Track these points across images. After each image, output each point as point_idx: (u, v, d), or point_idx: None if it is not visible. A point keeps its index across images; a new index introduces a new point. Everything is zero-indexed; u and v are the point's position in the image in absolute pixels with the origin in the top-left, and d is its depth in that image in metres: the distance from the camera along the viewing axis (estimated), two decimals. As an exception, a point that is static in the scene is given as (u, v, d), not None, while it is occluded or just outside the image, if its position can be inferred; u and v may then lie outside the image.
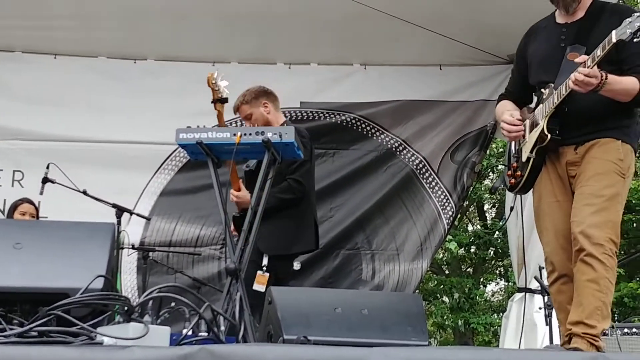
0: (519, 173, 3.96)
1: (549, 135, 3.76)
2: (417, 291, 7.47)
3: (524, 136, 3.97)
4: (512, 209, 6.48)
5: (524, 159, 3.92)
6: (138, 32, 6.80)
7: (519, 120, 3.98)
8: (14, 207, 6.26)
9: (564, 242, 3.72)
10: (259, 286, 4.60)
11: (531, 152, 3.85)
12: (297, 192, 5.00)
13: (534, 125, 3.88)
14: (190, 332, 2.36)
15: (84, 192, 5.82)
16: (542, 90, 3.88)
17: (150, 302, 2.35)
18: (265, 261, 4.79)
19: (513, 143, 4.10)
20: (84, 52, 7.04)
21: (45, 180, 5.87)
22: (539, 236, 3.96)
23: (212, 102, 4.76)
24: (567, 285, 3.71)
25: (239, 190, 4.98)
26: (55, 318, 2.21)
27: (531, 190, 4.05)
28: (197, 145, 3.95)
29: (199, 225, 6.88)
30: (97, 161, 6.83)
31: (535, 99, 4.02)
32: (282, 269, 4.94)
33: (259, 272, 4.68)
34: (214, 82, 4.64)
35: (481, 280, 19.25)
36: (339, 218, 7.04)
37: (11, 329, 2.20)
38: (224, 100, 4.73)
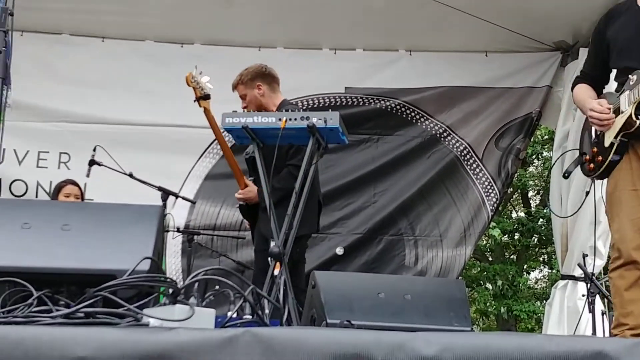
0: (600, 158, 3.88)
1: (638, 122, 3.69)
2: (460, 278, 7.43)
3: None
4: (587, 193, 6.40)
5: (606, 144, 3.83)
6: (185, 16, 6.82)
7: (608, 108, 3.89)
8: (58, 188, 6.32)
9: (636, 230, 3.68)
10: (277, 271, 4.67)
11: (615, 137, 3.78)
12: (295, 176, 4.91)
13: (618, 111, 3.81)
14: (234, 315, 2.36)
15: (130, 175, 5.86)
16: (630, 76, 3.79)
17: (196, 284, 2.36)
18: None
19: (593, 128, 4.02)
20: (131, 35, 7.09)
21: (92, 162, 5.89)
22: (609, 222, 3.88)
23: (194, 100, 4.79)
24: (630, 272, 3.67)
25: (245, 187, 4.98)
26: (102, 299, 2.23)
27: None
28: (243, 130, 3.98)
29: (243, 209, 6.91)
30: (143, 144, 6.89)
31: (615, 83, 3.94)
32: (294, 252, 4.91)
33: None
34: (193, 80, 4.66)
35: (524, 267, 19.11)
36: (382, 203, 7.03)
37: (58, 310, 2.22)
38: (207, 97, 4.77)
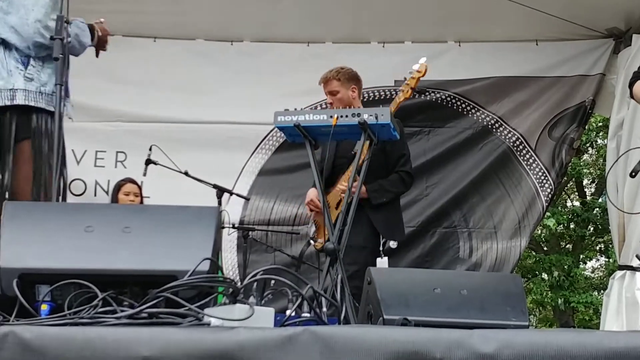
0: None
1: None
2: (515, 269, 7.40)
3: None
4: None
5: None
6: (234, 14, 6.89)
7: None
8: (118, 187, 6.45)
9: None
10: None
11: None
12: (409, 184, 5.32)
13: None
14: (293, 313, 2.40)
15: (186, 173, 5.95)
16: None
17: (255, 283, 2.41)
18: (381, 245, 4.96)
19: None
20: (182, 35, 7.19)
21: (148, 161, 6.00)
22: None
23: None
24: None
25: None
26: (165, 300, 2.28)
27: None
28: (295, 128, 4.01)
29: (296, 204, 6.96)
30: (197, 142, 6.99)
31: None
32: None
33: (380, 260, 4.82)
34: None
35: (581, 257, 18.90)
36: (434, 196, 7.02)
37: (122, 311, 2.28)
38: None
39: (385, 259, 4.86)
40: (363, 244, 4.97)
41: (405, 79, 5.11)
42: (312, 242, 5.41)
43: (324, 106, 6.96)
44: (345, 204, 4.00)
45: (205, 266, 2.39)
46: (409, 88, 5.06)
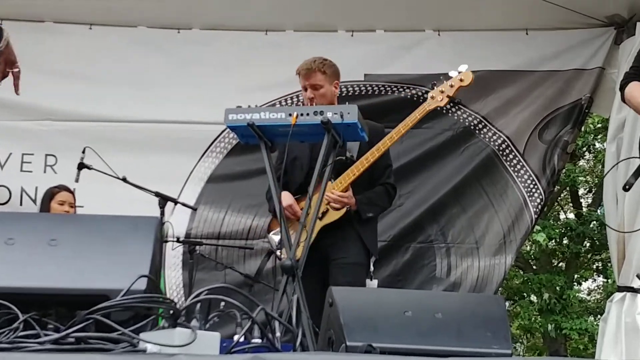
0: None
1: None
2: (499, 290, 7.45)
3: None
4: None
5: None
6: (181, -1, 6.92)
7: None
8: (51, 194, 6.36)
9: None
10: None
11: None
12: (392, 199, 5.44)
13: None
14: (242, 339, 2.41)
15: (124, 179, 5.90)
16: None
17: (198, 304, 2.41)
18: (371, 265, 5.13)
19: None
20: (122, 21, 7.17)
21: (82, 166, 5.92)
22: None
23: None
24: None
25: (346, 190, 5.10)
26: (94, 322, 2.28)
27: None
28: (249, 128, 4.02)
29: (250, 215, 6.96)
30: (137, 144, 6.98)
31: None
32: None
33: (369, 282, 4.86)
34: None
35: (575, 277, 19.05)
36: (409, 207, 7.04)
37: (46, 335, 2.27)
38: None
39: (375, 281, 4.93)
40: (356, 260, 5.07)
41: (434, 84, 5.26)
42: (278, 252, 5.39)
43: (283, 103, 7.01)
44: (314, 214, 4.02)
45: (142, 284, 2.39)
46: (445, 96, 5.17)
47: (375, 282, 5.01)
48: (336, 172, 4.96)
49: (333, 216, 5.03)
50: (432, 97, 5.22)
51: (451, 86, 5.19)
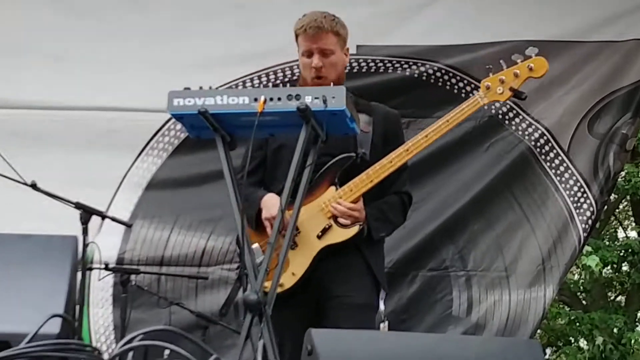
0: None
1: None
2: (537, 333, 7.46)
3: None
4: None
5: None
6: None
7: None
8: None
9: None
10: None
11: None
12: (406, 215, 5.39)
13: None
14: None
15: (33, 186, 5.86)
16: None
17: (131, 353, 2.40)
18: (382, 304, 5.06)
19: None
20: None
21: (-25, 167, 5.93)
22: None
23: None
24: None
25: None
26: (-10, 379, 2.27)
27: None
28: (200, 116, 4.00)
29: (204, 233, 6.97)
30: (54, 138, 6.97)
31: None
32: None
33: (383, 325, 4.84)
34: None
35: (638, 316, 19.10)
36: (417, 222, 7.03)
37: None
38: None
39: (386, 323, 4.91)
40: (366, 300, 4.98)
41: (489, 69, 5.13)
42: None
43: (248, 85, 6.99)
44: (275, 231, 3.99)
45: (55, 327, 2.38)
46: (508, 89, 5.06)
47: (386, 324, 4.98)
48: (344, 174, 4.92)
49: (339, 235, 4.91)
50: (488, 88, 5.09)
51: (516, 75, 5.05)
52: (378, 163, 4.89)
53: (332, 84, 4.71)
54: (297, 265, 4.83)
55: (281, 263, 3.93)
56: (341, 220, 4.87)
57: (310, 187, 4.72)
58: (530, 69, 5.06)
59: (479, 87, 6.93)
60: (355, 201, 4.90)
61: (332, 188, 4.92)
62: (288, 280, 4.81)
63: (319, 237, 4.88)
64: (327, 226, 4.89)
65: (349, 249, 4.93)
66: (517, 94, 5.06)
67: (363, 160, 4.85)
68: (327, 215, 4.88)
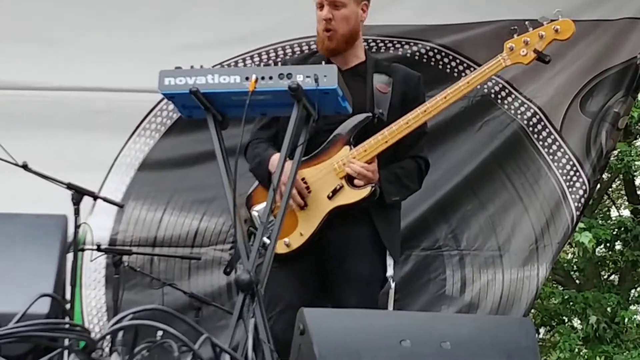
0: None
1: None
2: (530, 312, 7.46)
3: None
4: None
5: None
6: None
7: None
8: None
9: None
10: None
11: None
12: (424, 178, 5.22)
13: None
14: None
15: (24, 167, 5.86)
16: None
17: (121, 333, 2.38)
18: (391, 270, 4.92)
19: None
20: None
21: (-33, 148, 5.92)
22: None
23: None
24: None
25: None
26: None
27: None
28: (191, 96, 3.98)
29: (197, 214, 6.96)
30: (43, 119, 6.94)
31: None
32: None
33: (390, 291, 4.80)
34: None
35: (631, 294, 19.12)
36: (409, 202, 6.91)
37: None
38: None
39: (393, 286, 4.86)
40: (372, 272, 4.91)
41: (514, 30, 5.05)
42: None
43: (240, 64, 6.96)
44: (267, 208, 3.97)
45: (44, 307, 2.36)
46: (532, 51, 4.96)
47: (393, 288, 4.89)
48: (360, 135, 4.83)
49: (351, 196, 4.80)
50: (511, 49, 5.02)
51: (541, 37, 4.95)
52: (394, 123, 4.79)
53: (343, 38, 4.87)
54: (306, 226, 4.77)
55: (274, 240, 3.92)
56: (355, 181, 4.77)
57: (324, 147, 4.82)
58: (557, 31, 4.97)
59: (472, 67, 7.03)
60: (369, 162, 4.80)
61: (347, 148, 4.82)
62: (296, 240, 4.77)
63: (329, 197, 4.79)
64: (338, 186, 4.79)
65: (358, 215, 4.84)
66: (541, 57, 4.98)
67: (380, 120, 4.78)
68: (339, 176, 4.79)
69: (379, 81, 4.86)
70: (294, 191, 4.68)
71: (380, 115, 4.77)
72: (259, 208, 4.86)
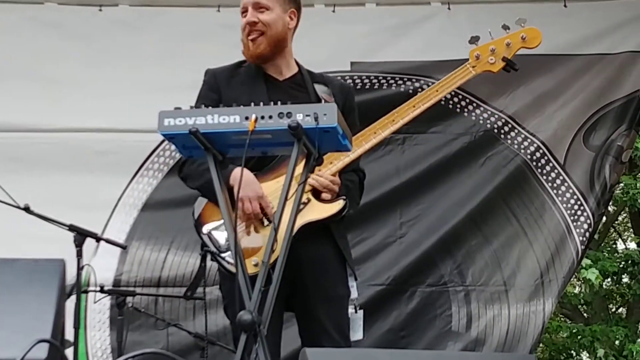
0: None
1: None
2: (538, 347, 7.42)
3: None
4: None
5: None
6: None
7: None
8: None
9: None
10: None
11: None
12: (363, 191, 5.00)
13: None
14: None
15: (26, 209, 5.86)
16: None
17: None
18: (354, 291, 4.76)
19: None
20: (25, -4, 7.15)
21: (-34, 191, 5.91)
22: None
23: None
24: None
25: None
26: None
27: None
28: (191, 136, 3.97)
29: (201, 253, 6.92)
30: (47, 161, 6.97)
31: None
32: None
33: (354, 314, 4.72)
34: None
35: (639, 327, 19.06)
36: (414, 238, 7.03)
37: None
38: None
39: (361, 312, 4.72)
40: (342, 291, 4.74)
41: (476, 39, 4.92)
42: (220, 258, 4.93)
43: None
44: (268, 245, 3.95)
45: (42, 352, 2.35)
46: (500, 59, 4.85)
47: (361, 314, 4.78)
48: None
49: (321, 211, 4.61)
50: (477, 58, 4.88)
51: (508, 45, 4.85)
52: (360, 134, 4.66)
53: (269, 42, 4.69)
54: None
55: (278, 278, 3.90)
56: (323, 195, 4.59)
57: (281, 158, 4.58)
58: (524, 39, 4.86)
59: (474, 102, 7.04)
60: (336, 175, 4.65)
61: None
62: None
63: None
64: (306, 200, 4.58)
65: (321, 231, 4.66)
66: (510, 64, 4.85)
67: None
68: (307, 188, 4.52)
69: (321, 91, 4.74)
70: (259, 209, 4.48)
71: None
72: (212, 226, 4.70)
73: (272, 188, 4.57)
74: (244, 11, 4.80)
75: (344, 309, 4.73)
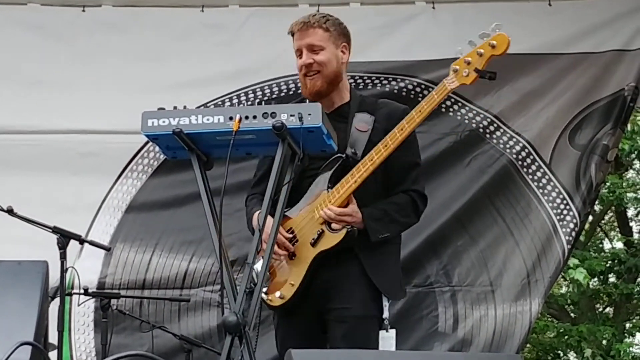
0: None
1: None
2: (525, 347, 7.42)
3: None
4: None
5: None
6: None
7: None
8: None
9: None
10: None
11: None
12: (421, 213, 5.17)
13: None
14: None
15: (9, 211, 5.84)
16: None
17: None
18: (386, 311, 4.86)
19: None
20: (8, -2, 7.14)
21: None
22: None
23: None
24: None
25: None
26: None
27: None
28: (174, 137, 3.97)
29: (186, 255, 6.95)
30: (30, 163, 6.96)
31: None
32: None
33: (384, 333, 4.75)
34: None
35: (627, 327, 19.08)
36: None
37: None
38: None
39: (393, 332, 4.83)
40: (363, 312, 4.83)
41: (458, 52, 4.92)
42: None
43: (227, 104, 6.95)
44: (254, 249, 3.95)
45: (25, 355, 2.34)
46: (473, 70, 4.82)
47: (392, 333, 4.84)
48: (338, 176, 4.79)
49: (330, 241, 4.76)
50: (456, 71, 4.88)
51: (480, 55, 4.82)
52: (360, 162, 4.72)
53: (326, 80, 4.84)
54: (295, 275, 4.75)
55: (262, 280, 3.90)
56: (333, 225, 4.73)
57: (310, 191, 4.83)
58: (493, 47, 4.82)
59: (459, 102, 7.04)
60: (345, 203, 4.75)
61: (324, 192, 4.79)
62: (287, 291, 4.75)
63: (312, 244, 4.76)
64: (319, 232, 4.76)
65: (346, 255, 4.79)
66: (482, 75, 4.84)
67: (354, 160, 4.72)
68: (319, 222, 4.75)
69: (360, 120, 4.82)
70: (275, 247, 4.60)
71: (353, 155, 4.71)
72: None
73: (297, 223, 4.84)
74: (299, 53, 4.96)
75: (365, 330, 4.81)
